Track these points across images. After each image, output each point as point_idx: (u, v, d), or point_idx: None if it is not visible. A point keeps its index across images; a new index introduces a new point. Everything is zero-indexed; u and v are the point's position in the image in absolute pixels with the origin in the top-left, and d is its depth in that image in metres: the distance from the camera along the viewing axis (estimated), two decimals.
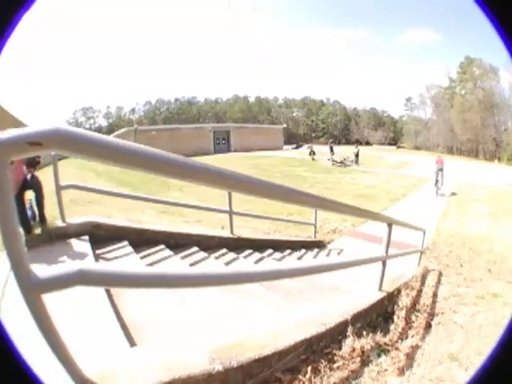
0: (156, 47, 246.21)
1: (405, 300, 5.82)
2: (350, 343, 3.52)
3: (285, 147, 73.72)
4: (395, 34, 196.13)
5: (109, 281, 2.10)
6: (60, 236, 5.85)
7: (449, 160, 45.05)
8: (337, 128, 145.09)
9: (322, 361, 3.11)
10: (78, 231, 5.94)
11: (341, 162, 42.32)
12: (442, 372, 3.59)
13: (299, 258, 9.18)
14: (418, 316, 5.59)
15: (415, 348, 4.25)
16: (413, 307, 5.84)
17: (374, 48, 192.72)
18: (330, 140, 47.84)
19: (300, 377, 2.83)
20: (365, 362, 3.44)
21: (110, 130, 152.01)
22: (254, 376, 2.63)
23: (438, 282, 7.80)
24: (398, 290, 6.04)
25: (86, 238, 5.84)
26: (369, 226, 14.42)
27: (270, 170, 31.89)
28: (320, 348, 3.31)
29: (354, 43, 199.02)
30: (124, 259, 5.47)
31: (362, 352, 3.53)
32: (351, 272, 6.14)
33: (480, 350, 4.09)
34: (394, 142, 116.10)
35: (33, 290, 1.79)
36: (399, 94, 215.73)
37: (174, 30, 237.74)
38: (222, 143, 60.96)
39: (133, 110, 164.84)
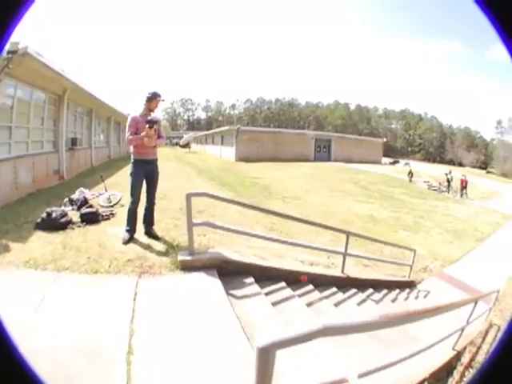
0: (257, 45, 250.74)
1: (466, 356, 6.42)
2: None
3: (382, 160, 72.93)
4: (484, 49, 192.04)
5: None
6: (187, 267, 6.16)
7: None
8: (433, 145, 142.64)
9: None
10: (206, 264, 6.25)
11: (436, 187, 42.05)
12: None
13: (393, 301, 9.45)
14: (469, 372, 6.06)
15: None
16: (469, 364, 6.36)
17: (465, 62, 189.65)
18: (449, 171, 45.15)
19: None
20: None
21: (208, 122, 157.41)
22: None
23: (494, 338, 8.13)
24: (465, 348, 6.68)
25: (215, 272, 6.13)
26: (456, 268, 14.88)
27: (369, 189, 32.01)
28: None
29: (448, 56, 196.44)
30: (252, 300, 5.71)
31: None
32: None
33: None
34: (484, 165, 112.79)
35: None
36: (491, 114, 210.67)
37: (276, 30, 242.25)
38: (323, 151, 60.66)
39: (233, 106, 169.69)
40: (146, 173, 7.30)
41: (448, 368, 5.91)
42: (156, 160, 7.47)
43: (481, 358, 6.80)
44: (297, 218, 8.61)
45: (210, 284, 5.76)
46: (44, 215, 8.02)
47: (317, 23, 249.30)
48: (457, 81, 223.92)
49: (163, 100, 7.34)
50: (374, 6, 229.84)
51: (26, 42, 10.83)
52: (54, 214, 8.08)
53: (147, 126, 6.86)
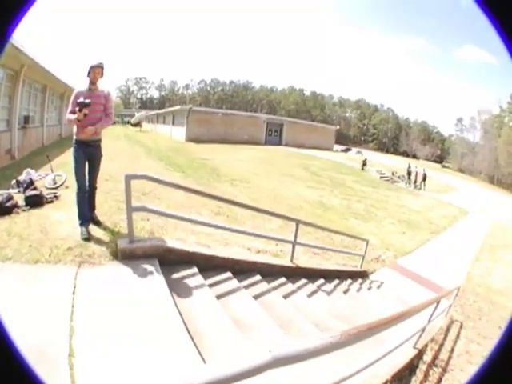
0: (215, 27, 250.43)
1: (429, 354, 6.47)
2: None
3: (334, 147, 73.39)
4: (453, 48, 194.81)
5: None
6: (127, 256, 5.73)
7: (485, 191, 50.62)
8: (387, 136, 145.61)
9: None
10: (147, 253, 5.87)
11: (389, 177, 42.40)
12: None
13: (345, 292, 9.23)
14: (434, 371, 6.23)
15: None
16: (432, 362, 6.46)
17: (430, 59, 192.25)
18: (409, 164, 45.58)
19: None
20: None
21: (161, 102, 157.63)
22: None
23: (458, 335, 8.36)
24: (426, 345, 6.66)
25: (156, 262, 5.72)
26: (410, 259, 14.91)
27: (320, 175, 31.86)
28: None
29: (412, 51, 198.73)
30: (196, 292, 5.37)
31: None
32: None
33: None
34: (440, 160, 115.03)
35: None
36: (450, 111, 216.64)
37: (235, 13, 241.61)
38: (274, 135, 60.55)
39: (187, 86, 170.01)
40: (87, 155, 6.61)
41: (410, 367, 5.83)
42: (99, 141, 6.77)
43: (444, 356, 6.93)
44: (243, 205, 8.18)
45: (150, 275, 5.36)
46: None
47: (277, 7, 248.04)
48: (418, 76, 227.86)
49: (100, 67, 6.44)
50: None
51: None
52: (0, 198, 7.54)
53: (77, 108, 6.18)
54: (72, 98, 6.36)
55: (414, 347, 6.10)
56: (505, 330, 2.02)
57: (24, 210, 7.69)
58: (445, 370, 6.38)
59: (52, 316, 4.09)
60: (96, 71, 6.38)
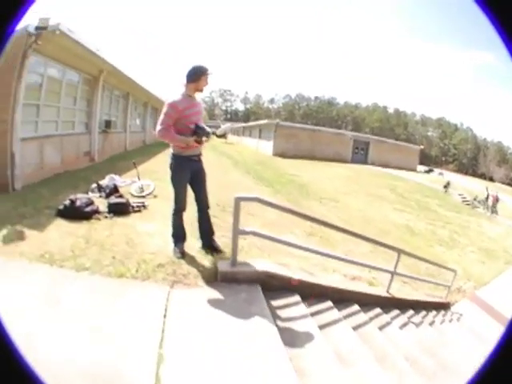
0: (302, 43, 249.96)
1: None
2: None
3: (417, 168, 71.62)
4: None
5: None
6: (227, 280, 5.45)
7: None
8: (466, 156, 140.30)
9: None
10: (250, 278, 5.55)
11: (470, 202, 41.40)
12: None
13: (431, 324, 9.15)
14: None
15: None
16: None
17: (499, 75, 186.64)
18: (487, 188, 42.93)
19: None
20: None
21: (246, 114, 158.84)
22: None
23: None
24: None
25: (259, 288, 5.42)
26: (487, 290, 14.72)
27: (406, 198, 31.61)
28: None
29: (481, 67, 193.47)
30: (299, 322, 5.03)
31: None
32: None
33: None
34: None
35: None
36: None
37: (318, 27, 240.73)
38: (361, 153, 60.23)
39: (271, 100, 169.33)
40: (191, 172, 5.90)
41: None
42: (201, 154, 6.12)
43: None
44: (354, 233, 7.75)
45: (254, 303, 5.03)
46: (67, 202, 7.30)
47: (358, 25, 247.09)
48: (494, 95, 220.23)
49: (212, 74, 5.75)
50: (414, 13, 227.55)
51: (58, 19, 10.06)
52: (78, 202, 7.38)
53: (195, 136, 5.58)
54: (167, 108, 5.52)
55: None
56: (505, 330, 2.10)
57: (106, 217, 7.52)
58: None
59: (138, 340, 3.85)
60: (207, 76, 5.77)
